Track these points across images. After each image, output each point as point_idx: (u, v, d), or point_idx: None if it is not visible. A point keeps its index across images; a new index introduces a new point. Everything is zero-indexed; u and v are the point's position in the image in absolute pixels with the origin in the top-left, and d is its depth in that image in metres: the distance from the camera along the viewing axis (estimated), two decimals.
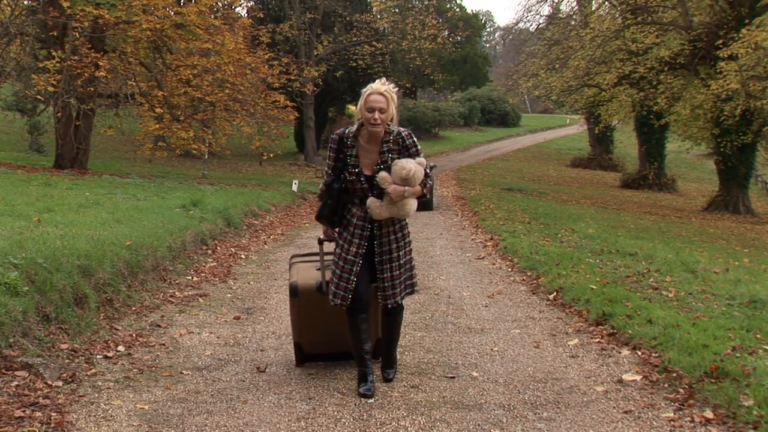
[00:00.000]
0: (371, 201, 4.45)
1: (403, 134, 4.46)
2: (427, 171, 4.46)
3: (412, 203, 4.45)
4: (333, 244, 4.69)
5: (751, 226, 20.14)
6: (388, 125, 4.44)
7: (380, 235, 4.54)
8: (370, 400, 4.42)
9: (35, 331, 4.91)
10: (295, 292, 4.88)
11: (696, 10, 22.49)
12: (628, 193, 28.51)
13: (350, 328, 4.56)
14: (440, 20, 34.65)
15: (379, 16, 31.99)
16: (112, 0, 16.23)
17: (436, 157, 34.64)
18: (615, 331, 5.93)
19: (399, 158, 4.42)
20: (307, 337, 4.99)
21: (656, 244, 11.64)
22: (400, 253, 4.57)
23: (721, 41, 19.26)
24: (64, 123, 18.18)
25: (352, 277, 4.49)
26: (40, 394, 4.19)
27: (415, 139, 4.50)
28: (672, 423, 4.13)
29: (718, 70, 19.34)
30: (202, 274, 8.19)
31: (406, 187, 4.39)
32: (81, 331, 5.35)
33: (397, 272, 4.56)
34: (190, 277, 7.95)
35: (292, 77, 24.69)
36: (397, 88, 4.47)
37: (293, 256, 5.34)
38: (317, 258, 5.08)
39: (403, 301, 4.66)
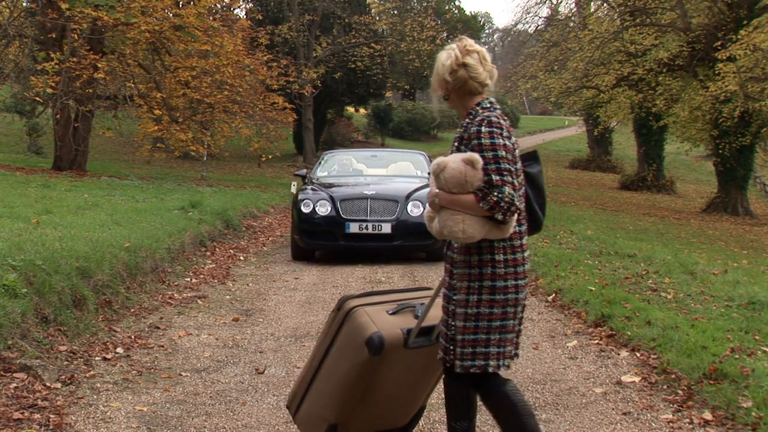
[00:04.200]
0: (427, 209, 3.23)
1: (476, 118, 3.12)
2: (495, 179, 2.96)
3: (455, 221, 3.01)
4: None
5: (749, 228, 20.15)
6: (480, 105, 3.16)
7: (456, 264, 3.19)
8: None
9: (34, 332, 4.91)
10: (378, 347, 3.26)
11: (694, 12, 22.50)
12: (626, 195, 28.51)
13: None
14: (439, 22, 34.67)
15: (377, 18, 31.98)
16: (110, 2, 16.23)
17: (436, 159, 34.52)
18: (614, 332, 5.93)
19: (465, 152, 3.08)
20: (359, 414, 3.47)
21: (655, 245, 11.65)
22: (471, 298, 3.11)
23: (719, 43, 19.28)
24: (62, 125, 18.16)
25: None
26: (39, 396, 4.19)
27: (485, 129, 3.05)
28: (671, 424, 4.13)
29: (716, 72, 19.36)
30: (201, 276, 8.18)
31: (436, 190, 3.09)
32: (80, 333, 5.35)
33: (461, 323, 3.13)
34: (188, 279, 7.95)
35: (291, 79, 24.68)
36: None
37: (347, 299, 3.54)
38: (385, 298, 3.56)
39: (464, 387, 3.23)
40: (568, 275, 8.02)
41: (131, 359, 5.14)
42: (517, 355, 3.25)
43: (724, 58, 18.50)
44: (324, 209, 9.49)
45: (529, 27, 32.04)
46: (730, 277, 8.19)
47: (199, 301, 7.08)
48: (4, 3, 19.14)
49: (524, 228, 3.20)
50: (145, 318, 6.25)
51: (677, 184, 32.31)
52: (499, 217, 2.97)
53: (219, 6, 22.78)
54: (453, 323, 3.15)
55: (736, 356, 4.77)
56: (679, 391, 4.56)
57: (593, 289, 7.15)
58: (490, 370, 3.13)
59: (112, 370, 4.86)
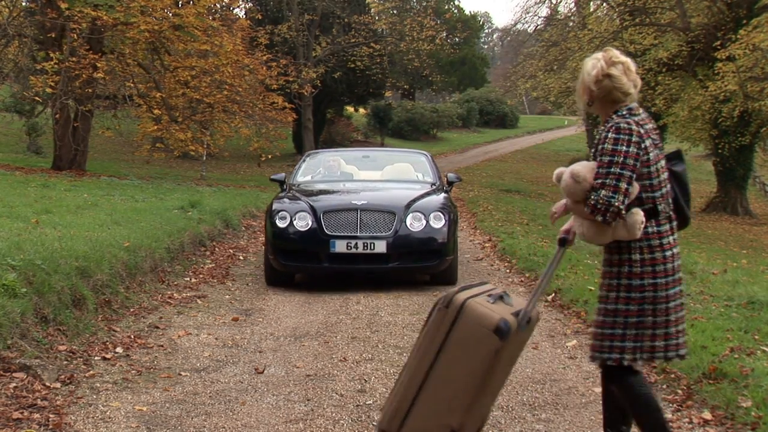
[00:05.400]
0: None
1: (609, 125, 3.25)
2: (596, 182, 3.15)
3: (577, 224, 3.28)
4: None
5: (749, 228, 20.16)
6: (617, 113, 3.27)
7: (603, 262, 3.41)
8: None
9: (33, 332, 4.91)
10: (507, 331, 3.20)
11: (694, 12, 22.51)
12: None
13: None
14: (438, 22, 34.69)
15: (377, 18, 31.98)
16: (110, 1, 16.22)
17: (435, 159, 34.56)
18: None
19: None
20: (477, 409, 3.34)
21: None
22: (610, 295, 3.30)
23: (719, 42, 19.28)
24: (62, 124, 18.16)
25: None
26: (39, 395, 4.19)
27: (612, 135, 3.19)
28: (670, 424, 4.12)
29: (716, 72, 19.37)
30: (201, 276, 8.18)
31: (565, 200, 3.34)
32: (79, 333, 5.35)
33: (600, 318, 3.33)
34: (188, 279, 7.95)
35: (291, 79, 24.66)
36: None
37: (453, 295, 3.42)
38: (477, 291, 3.45)
39: (616, 377, 3.33)
40: (568, 275, 8.02)
41: (131, 359, 5.14)
42: (681, 356, 3.33)
43: (724, 57, 18.51)
44: (303, 223, 7.72)
45: (529, 27, 31.99)
46: (730, 276, 8.20)
47: (198, 300, 7.08)
48: (3, 3, 19.13)
49: (665, 228, 3.27)
50: (145, 318, 6.25)
51: None
52: (599, 218, 3.13)
53: (218, 6, 22.77)
54: (595, 318, 3.37)
55: (736, 356, 4.77)
56: (679, 391, 4.57)
57: (593, 288, 7.14)
58: (626, 363, 3.27)
59: (112, 370, 4.86)
